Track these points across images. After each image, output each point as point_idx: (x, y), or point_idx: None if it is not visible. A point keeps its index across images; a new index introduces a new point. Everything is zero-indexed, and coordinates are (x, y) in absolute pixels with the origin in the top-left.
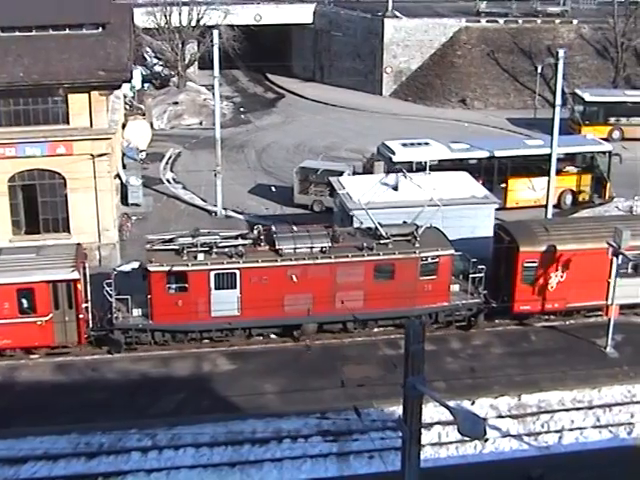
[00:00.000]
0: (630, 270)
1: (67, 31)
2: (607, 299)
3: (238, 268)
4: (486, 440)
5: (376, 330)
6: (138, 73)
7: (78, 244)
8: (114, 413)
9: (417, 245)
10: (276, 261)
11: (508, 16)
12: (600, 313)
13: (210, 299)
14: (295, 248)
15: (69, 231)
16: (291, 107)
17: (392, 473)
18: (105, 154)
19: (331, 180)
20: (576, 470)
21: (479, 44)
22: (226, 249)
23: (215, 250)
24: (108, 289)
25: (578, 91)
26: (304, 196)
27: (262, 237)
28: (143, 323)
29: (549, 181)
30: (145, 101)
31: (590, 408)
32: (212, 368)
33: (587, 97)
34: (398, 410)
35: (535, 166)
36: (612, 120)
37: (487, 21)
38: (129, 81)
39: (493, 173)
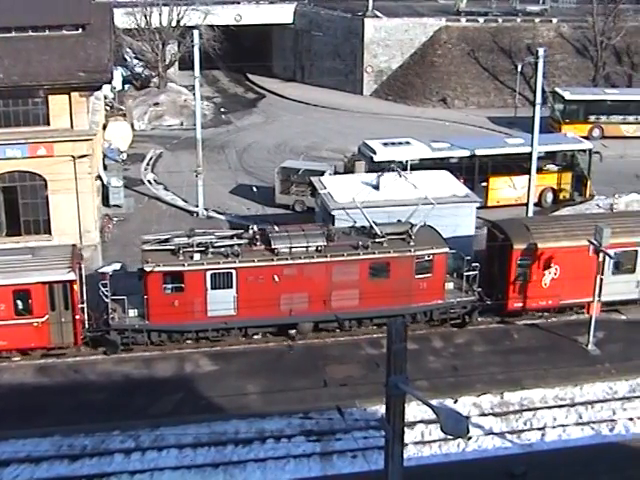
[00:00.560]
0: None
1: (47, 32)
2: (600, 296)
3: (234, 268)
4: (469, 438)
5: (359, 329)
6: (119, 74)
7: (74, 245)
8: (97, 415)
9: (412, 243)
10: (272, 260)
11: (488, 15)
12: (582, 310)
13: (206, 299)
14: (291, 247)
15: (50, 233)
16: (272, 107)
17: (375, 472)
18: (86, 155)
19: (312, 180)
20: (559, 467)
21: (459, 43)
22: (222, 249)
23: (211, 250)
24: (103, 290)
25: (558, 90)
26: (285, 196)
27: (258, 237)
28: (139, 323)
29: (530, 179)
30: (126, 102)
31: (572, 405)
32: (195, 369)
33: (567, 95)
34: (381, 409)
35: (516, 165)
36: (592, 118)
37: (467, 20)
38: (109, 82)
39: (474, 172)
